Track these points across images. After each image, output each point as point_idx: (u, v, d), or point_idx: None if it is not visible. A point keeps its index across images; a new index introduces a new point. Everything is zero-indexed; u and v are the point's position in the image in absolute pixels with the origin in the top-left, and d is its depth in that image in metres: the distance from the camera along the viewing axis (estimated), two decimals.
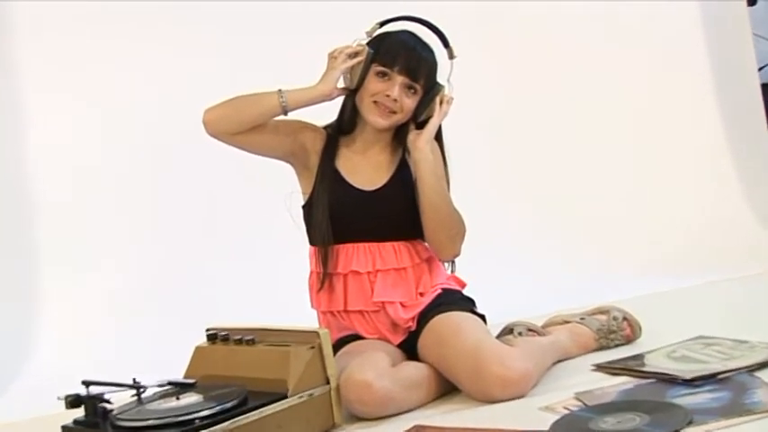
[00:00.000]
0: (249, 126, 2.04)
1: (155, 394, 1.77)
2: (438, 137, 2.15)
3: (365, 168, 2.13)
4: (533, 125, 3.44)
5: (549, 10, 3.47)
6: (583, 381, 1.92)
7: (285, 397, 1.76)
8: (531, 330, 2.18)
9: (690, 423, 1.54)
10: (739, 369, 1.82)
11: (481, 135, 3.31)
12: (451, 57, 2.13)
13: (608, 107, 3.47)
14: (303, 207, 2.15)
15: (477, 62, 2.92)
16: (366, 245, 2.08)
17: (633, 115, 3.49)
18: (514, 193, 3.37)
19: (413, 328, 2.08)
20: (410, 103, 2.08)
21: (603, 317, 2.24)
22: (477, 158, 3.24)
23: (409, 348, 2.08)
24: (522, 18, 3.47)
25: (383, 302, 2.07)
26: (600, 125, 3.47)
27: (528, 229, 3.30)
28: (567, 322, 2.24)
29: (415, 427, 1.77)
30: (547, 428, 1.62)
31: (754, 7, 3.84)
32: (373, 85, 2.06)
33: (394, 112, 2.07)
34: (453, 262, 2.19)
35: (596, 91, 3.46)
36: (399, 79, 2.05)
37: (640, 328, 2.25)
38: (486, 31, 3.37)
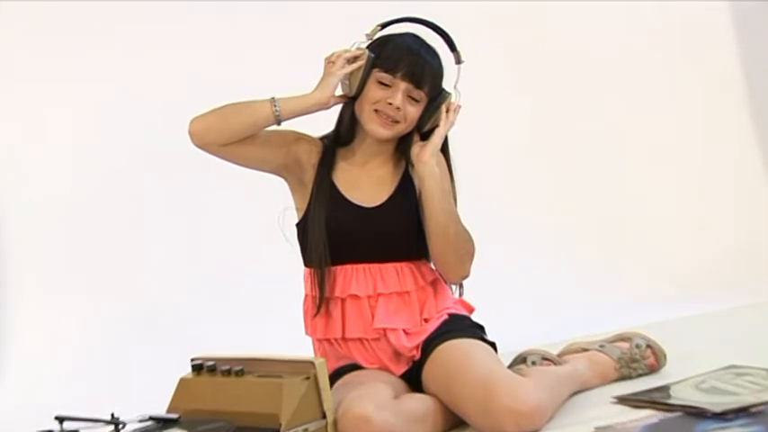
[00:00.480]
0: (239, 137, 2.02)
1: (135, 431, 1.75)
2: (444, 149, 2.13)
3: (365, 183, 2.12)
4: (548, 139, 3.45)
5: (565, 10, 3.49)
6: (602, 414, 1.91)
7: None
8: (546, 359, 2.17)
9: None
10: None
11: (490, 147, 3.32)
12: (459, 61, 2.12)
13: (628, 122, 3.50)
14: (297, 225, 2.13)
15: (487, 67, 2.95)
16: (366, 266, 2.06)
17: (656, 131, 3.52)
18: (527, 210, 3.38)
19: (417, 358, 2.06)
20: (414, 111, 2.06)
21: (625, 344, 2.23)
22: (486, 173, 3.24)
23: (413, 379, 2.06)
24: (535, 19, 3.49)
25: (384, 329, 2.05)
26: (620, 142, 3.49)
27: (542, 250, 3.31)
28: (586, 350, 2.23)
29: None
30: None
31: None
32: (374, 92, 2.05)
33: (396, 122, 2.05)
34: (461, 285, 2.19)
35: (615, 104, 3.49)
36: (402, 86, 2.04)
37: (665, 357, 2.24)
38: (497, 33, 3.39)
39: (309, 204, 2.09)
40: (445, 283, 2.17)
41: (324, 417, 1.82)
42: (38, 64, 3.08)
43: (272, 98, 2.01)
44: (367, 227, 2.07)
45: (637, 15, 3.55)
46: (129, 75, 3.13)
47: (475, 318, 2.17)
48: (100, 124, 3.11)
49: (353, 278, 2.06)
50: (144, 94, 3.11)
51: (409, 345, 2.05)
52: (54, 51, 3.07)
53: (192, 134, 2.03)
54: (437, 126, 2.08)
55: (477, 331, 2.11)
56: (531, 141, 3.45)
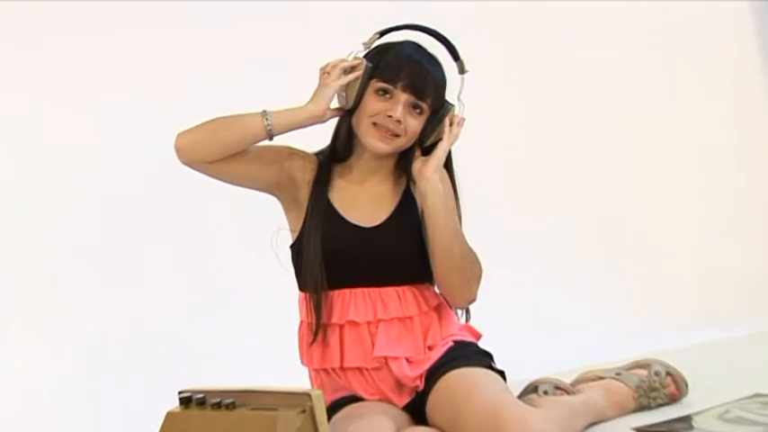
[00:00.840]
0: (228, 153, 2.01)
1: None
2: (448, 164, 2.13)
3: (363, 201, 2.10)
4: (559, 154, 3.45)
5: (563, 12, 3.50)
6: None
7: None
8: (559, 389, 2.15)
9: None
10: None
11: (497, 163, 3.31)
12: (462, 71, 2.10)
13: (645, 136, 3.50)
14: (291, 247, 2.11)
15: (486, 70, 2.85)
16: (365, 290, 2.05)
17: (674, 147, 3.52)
18: (537, 229, 3.36)
19: (420, 388, 2.04)
20: (415, 124, 2.05)
21: (643, 372, 2.22)
22: (493, 189, 3.23)
23: (416, 411, 2.04)
24: (534, 21, 3.49)
25: (386, 358, 2.04)
26: (636, 157, 3.50)
27: (553, 272, 3.30)
28: (601, 378, 2.22)
29: None
30: None
31: None
32: (373, 104, 2.03)
33: (397, 136, 2.04)
34: (468, 310, 2.17)
35: (633, 117, 3.49)
36: (403, 97, 2.02)
37: (687, 385, 2.23)
38: (495, 35, 3.39)
39: (304, 224, 2.07)
40: (450, 307, 2.15)
41: None
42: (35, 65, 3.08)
43: (264, 111, 1.99)
44: (366, 248, 2.05)
45: (636, 16, 3.57)
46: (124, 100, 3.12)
47: (482, 345, 2.15)
48: (81, 143, 3.08)
49: (352, 303, 2.04)
50: (135, 116, 3.10)
51: (412, 374, 2.03)
52: (52, 51, 3.07)
53: (178, 150, 2.01)
54: (440, 140, 2.07)
55: (484, 359, 2.09)
56: (532, 151, 3.44)
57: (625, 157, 3.49)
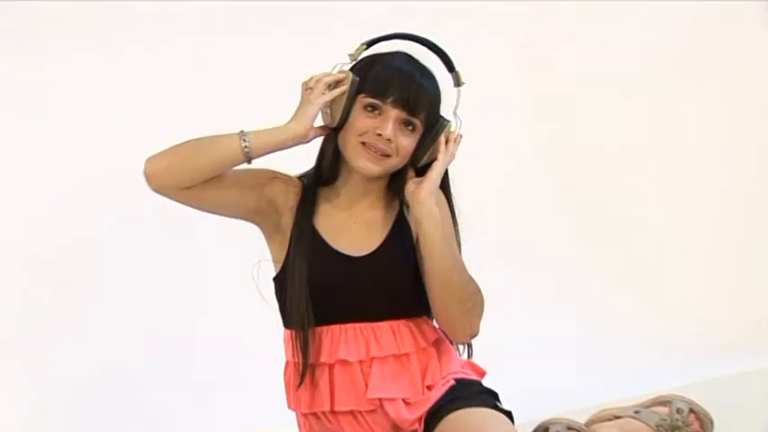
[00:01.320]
0: (203, 178, 1.96)
1: None
2: (444, 185, 2.08)
3: (352, 228, 2.07)
4: (567, 169, 3.46)
5: (566, 27, 3.51)
6: None
7: None
8: (572, 429, 2.16)
9: None
10: None
11: (498, 184, 3.31)
12: (458, 84, 2.07)
13: (663, 158, 3.53)
14: (275, 279, 2.07)
15: (493, 88, 2.98)
16: (357, 326, 2.01)
17: (700, 162, 3.55)
18: (544, 253, 3.36)
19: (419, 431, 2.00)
20: (408, 143, 2.01)
21: (664, 409, 2.20)
22: (495, 213, 3.23)
23: None
24: (547, 33, 3.50)
25: (380, 399, 2.00)
26: (654, 181, 3.51)
27: (563, 301, 3.29)
28: (618, 417, 2.21)
29: None
30: None
31: None
32: (360, 121, 2.00)
33: (387, 156, 2.00)
34: (470, 345, 2.14)
35: (653, 129, 3.53)
36: (393, 113, 1.99)
37: (712, 423, 2.22)
38: (504, 47, 3.41)
39: (288, 255, 2.03)
40: (450, 343, 2.12)
41: None
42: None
43: (241, 132, 1.95)
44: (356, 279, 2.01)
45: (643, 26, 3.61)
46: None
47: (486, 383, 2.12)
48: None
49: (342, 340, 2.00)
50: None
51: (410, 417, 2.01)
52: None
53: (148, 176, 1.96)
54: (435, 159, 2.03)
55: (489, 398, 2.05)
56: (537, 171, 3.45)
57: (642, 181, 3.52)
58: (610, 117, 3.50)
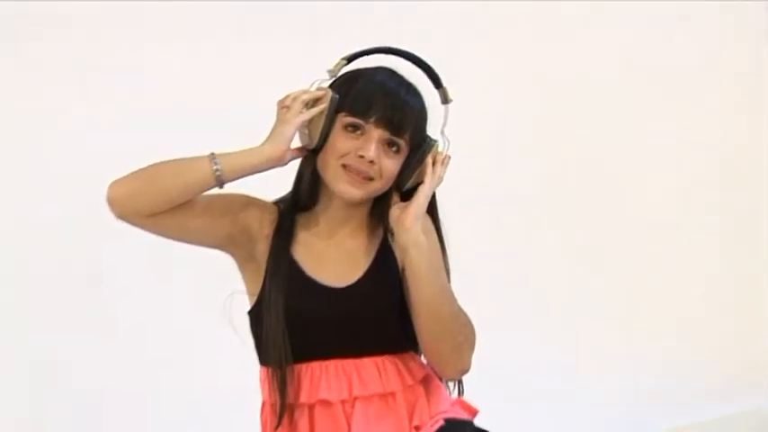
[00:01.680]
0: (171, 204, 1.90)
1: None
2: (431, 210, 2.04)
3: (333, 257, 2.02)
4: (570, 192, 3.46)
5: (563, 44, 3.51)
6: None
7: None
8: None
9: None
10: None
11: (492, 208, 3.30)
12: (446, 101, 2.02)
13: (665, 190, 3.58)
14: (249, 313, 2.02)
15: (485, 103, 3.01)
16: (338, 363, 1.96)
17: (703, 192, 3.62)
18: (541, 282, 3.36)
19: None
20: (392, 165, 1.96)
21: None
22: (491, 240, 3.22)
23: None
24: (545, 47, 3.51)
25: None
26: (659, 209, 3.55)
27: (561, 330, 3.29)
28: None
29: None
30: None
31: None
32: (341, 142, 1.94)
33: (370, 179, 1.95)
34: (460, 382, 2.09)
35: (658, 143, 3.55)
36: (376, 134, 1.93)
37: None
38: (496, 58, 3.41)
39: (263, 286, 1.98)
40: (440, 380, 2.08)
41: None
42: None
43: (212, 154, 1.89)
44: (337, 313, 1.96)
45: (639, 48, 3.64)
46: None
47: (479, 422, 2.05)
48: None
49: (323, 379, 1.96)
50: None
51: None
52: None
53: (111, 202, 1.90)
54: (421, 182, 1.98)
55: None
56: (537, 192, 3.45)
57: (649, 209, 3.57)
58: (611, 137, 3.54)
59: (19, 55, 2.87)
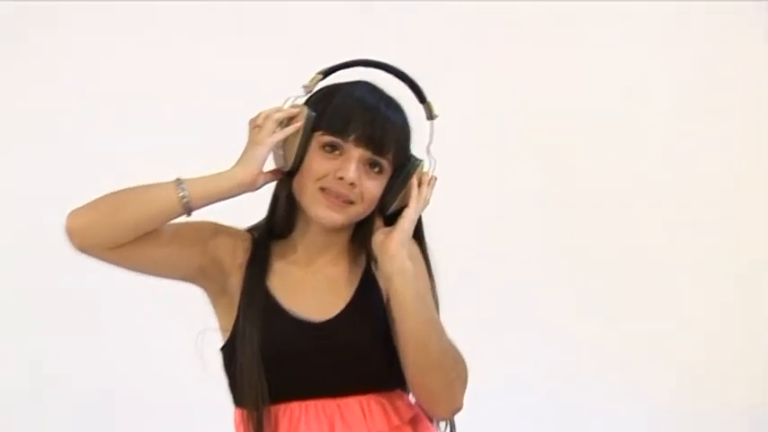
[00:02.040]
0: (135, 234, 1.82)
1: None
2: (418, 235, 1.98)
3: (312, 288, 1.95)
4: (570, 196, 3.42)
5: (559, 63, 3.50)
6: None
7: None
8: None
9: None
10: None
11: (485, 229, 3.30)
12: (431, 116, 1.96)
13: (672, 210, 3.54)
14: (222, 350, 1.94)
15: (475, 118, 3.01)
16: (319, 403, 1.89)
17: (711, 220, 3.56)
18: (537, 308, 3.34)
19: None
20: (374, 187, 1.89)
21: None
22: (483, 261, 3.20)
23: None
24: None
25: None
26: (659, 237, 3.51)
27: (553, 375, 3.26)
28: None
29: None
30: None
31: None
32: (319, 163, 1.87)
33: (351, 202, 1.88)
34: (452, 422, 2.02)
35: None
36: (357, 153, 1.86)
37: None
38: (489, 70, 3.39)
39: (237, 321, 1.90)
40: (430, 420, 2.00)
41: None
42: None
43: (178, 179, 1.81)
44: (317, 349, 1.88)
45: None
46: None
47: None
48: None
49: (303, 421, 1.88)
50: None
51: None
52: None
53: (70, 234, 1.81)
54: (406, 206, 1.92)
55: None
56: (537, 211, 3.45)
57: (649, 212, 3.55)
58: (612, 140, 3.54)
59: (19, 55, 2.99)
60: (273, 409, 1.87)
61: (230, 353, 1.90)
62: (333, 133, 1.86)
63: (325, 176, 1.86)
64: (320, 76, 1.93)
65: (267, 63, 3.10)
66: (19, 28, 3.09)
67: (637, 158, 3.51)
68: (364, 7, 3.13)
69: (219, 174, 1.84)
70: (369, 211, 1.91)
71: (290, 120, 1.87)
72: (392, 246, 1.86)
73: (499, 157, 3.39)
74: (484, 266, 3.24)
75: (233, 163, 1.86)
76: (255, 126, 1.87)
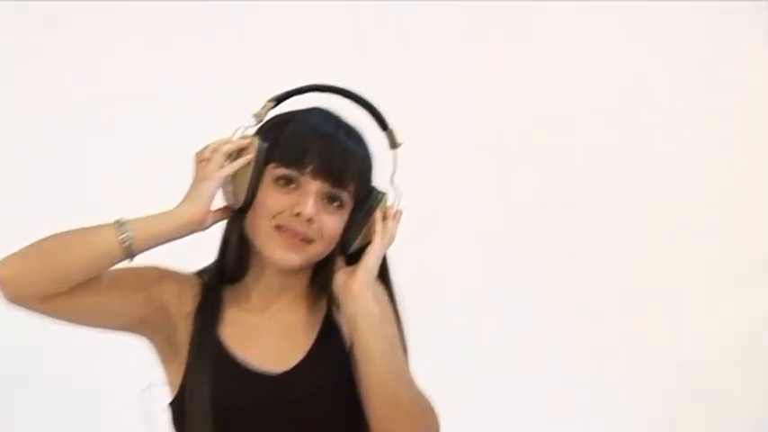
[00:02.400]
0: (70, 284, 1.71)
1: None
2: (383, 274, 1.89)
3: (268, 337, 1.85)
4: (570, 201, 3.40)
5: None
6: None
7: None
8: None
9: None
10: None
11: (487, 224, 3.23)
12: (395, 145, 1.87)
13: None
14: (170, 405, 1.85)
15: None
16: None
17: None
18: (537, 308, 3.31)
19: None
20: (334, 223, 1.80)
21: None
22: (483, 261, 3.16)
23: None
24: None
25: None
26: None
27: (559, 362, 3.27)
28: None
29: None
30: None
31: None
32: (273, 198, 1.78)
33: (310, 241, 1.79)
34: None
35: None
36: (314, 186, 1.77)
37: None
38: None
39: (186, 375, 1.81)
40: None
41: None
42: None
43: (117, 221, 1.71)
44: (274, 404, 1.79)
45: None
46: None
47: None
48: None
49: None
50: None
51: None
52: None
53: (1, 284, 1.71)
54: (370, 243, 1.83)
55: None
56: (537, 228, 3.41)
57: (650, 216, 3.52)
58: (613, 145, 3.49)
59: (19, 55, 3.01)
60: None
61: (179, 409, 1.81)
62: (287, 165, 1.77)
63: (280, 213, 1.77)
64: (272, 104, 1.85)
65: (267, 63, 3.10)
66: (19, 28, 3.10)
67: (637, 158, 3.49)
68: (364, 7, 3.16)
69: (164, 213, 1.75)
70: (329, 250, 1.83)
71: (239, 152, 1.78)
72: (355, 286, 1.78)
73: (499, 157, 3.37)
74: (484, 266, 3.22)
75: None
76: (202, 160, 1.78)
